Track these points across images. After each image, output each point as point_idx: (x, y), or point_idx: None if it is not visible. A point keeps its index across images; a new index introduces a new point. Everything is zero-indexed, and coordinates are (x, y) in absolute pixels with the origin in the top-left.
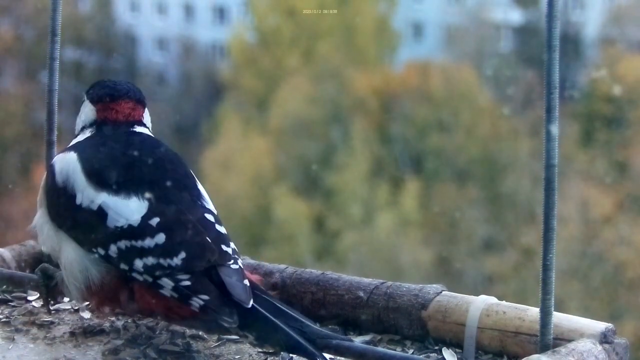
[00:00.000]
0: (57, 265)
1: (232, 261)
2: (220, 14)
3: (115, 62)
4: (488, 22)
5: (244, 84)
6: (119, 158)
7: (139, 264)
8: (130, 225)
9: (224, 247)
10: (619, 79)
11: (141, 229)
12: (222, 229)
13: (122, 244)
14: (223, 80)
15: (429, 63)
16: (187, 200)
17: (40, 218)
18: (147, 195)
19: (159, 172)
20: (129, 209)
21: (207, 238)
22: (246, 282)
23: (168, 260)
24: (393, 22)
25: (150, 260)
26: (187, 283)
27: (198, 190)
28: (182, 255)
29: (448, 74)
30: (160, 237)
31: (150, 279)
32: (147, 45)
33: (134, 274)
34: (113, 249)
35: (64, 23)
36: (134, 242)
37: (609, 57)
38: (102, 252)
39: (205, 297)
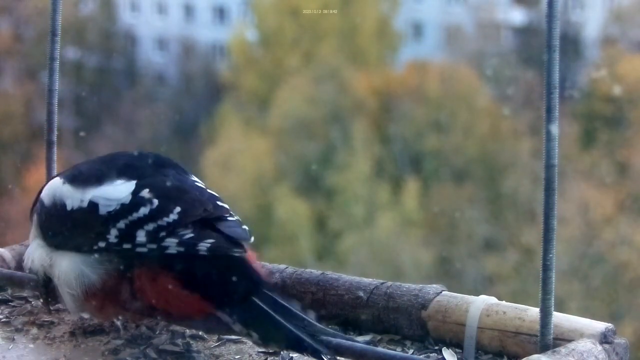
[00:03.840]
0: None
1: (228, 215)
2: (220, 14)
3: (115, 62)
4: (488, 22)
5: (244, 84)
6: (98, 161)
7: (140, 234)
8: (122, 205)
9: (219, 202)
10: (619, 79)
11: (133, 203)
12: (213, 192)
13: (121, 224)
14: (223, 80)
15: (429, 63)
16: (173, 174)
17: (33, 246)
18: (133, 175)
19: (140, 159)
20: (117, 192)
21: (199, 196)
22: (245, 227)
23: (165, 219)
24: (395, 23)
25: (151, 226)
26: (190, 235)
27: (182, 168)
28: (178, 209)
29: (448, 74)
30: (154, 203)
31: (154, 246)
32: (147, 45)
33: (138, 249)
34: (113, 234)
35: (64, 23)
36: (130, 217)
37: (609, 57)
38: (102, 244)
39: (211, 240)
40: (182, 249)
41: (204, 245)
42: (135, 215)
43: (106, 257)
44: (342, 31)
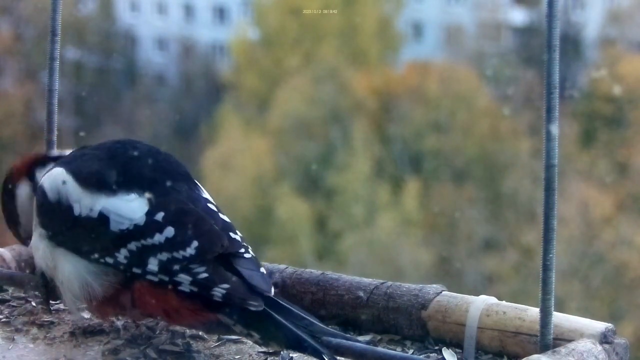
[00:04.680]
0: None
1: (243, 250)
2: (220, 14)
3: (115, 62)
4: (488, 22)
5: (245, 84)
6: (107, 160)
7: (153, 262)
8: (136, 225)
9: (232, 234)
10: (619, 79)
11: (148, 227)
12: (226, 218)
13: (132, 245)
14: (223, 80)
15: (429, 63)
16: (185, 190)
17: (35, 239)
18: (145, 190)
19: (150, 165)
20: (130, 209)
21: (215, 226)
22: (263, 270)
23: (182, 252)
24: (397, 24)
25: (165, 255)
26: (205, 275)
27: (194, 181)
28: (195, 244)
29: (448, 74)
30: (170, 231)
31: (166, 278)
32: (147, 45)
33: (149, 277)
34: (123, 253)
35: (64, 23)
36: (143, 242)
37: (609, 57)
38: (110, 260)
39: (226, 285)
40: (195, 289)
41: (219, 291)
42: (149, 241)
43: (111, 269)
44: (342, 31)
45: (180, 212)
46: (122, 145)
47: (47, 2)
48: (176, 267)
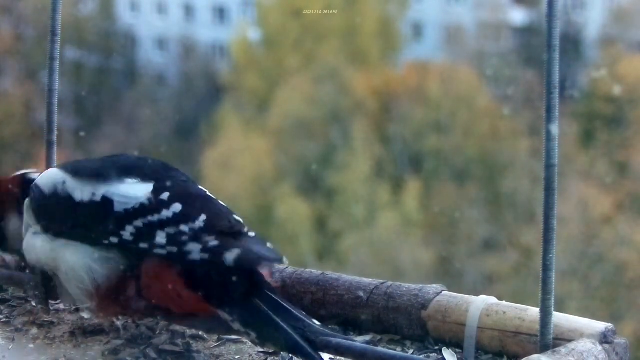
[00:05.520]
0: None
1: (246, 229)
2: (220, 14)
3: (115, 62)
4: (488, 22)
5: (245, 84)
6: (100, 160)
7: (161, 235)
8: (141, 204)
9: (235, 216)
10: (619, 79)
11: (154, 205)
12: (224, 204)
13: (139, 222)
14: (223, 81)
15: (429, 63)
16: (184, 180)
17: (29, 239)
18: (145, 176)
19: (148, 163)
20: (134, 190)
21: (222, 208)
22: (269, 244)
23: (190, 224)
24: (399, 24)
25: (173, 229)
26: (215, 242)
27: (187, 175)
28: (203, 217)
29: (448, 74)
30: (177, 207)
31: (175, 249)
32: (147, 45)
33: (157, 250)
34: (129, 231)
35: (64, 23)
36: (150, 218)
37: (609, 57)
38: (115, 239)
39: (237, 250)
40: (206, 256)
41: (230, 255)
42: (156, 217)
43: (113, 252)
44: (343, 31)
45: (186, 194)
46: (112, 156)
47: (47, 2)
48: (185, 237)
